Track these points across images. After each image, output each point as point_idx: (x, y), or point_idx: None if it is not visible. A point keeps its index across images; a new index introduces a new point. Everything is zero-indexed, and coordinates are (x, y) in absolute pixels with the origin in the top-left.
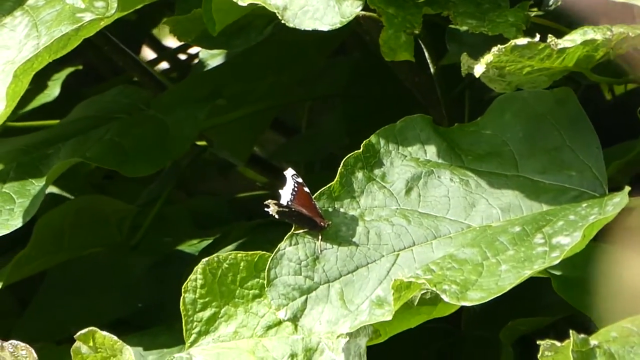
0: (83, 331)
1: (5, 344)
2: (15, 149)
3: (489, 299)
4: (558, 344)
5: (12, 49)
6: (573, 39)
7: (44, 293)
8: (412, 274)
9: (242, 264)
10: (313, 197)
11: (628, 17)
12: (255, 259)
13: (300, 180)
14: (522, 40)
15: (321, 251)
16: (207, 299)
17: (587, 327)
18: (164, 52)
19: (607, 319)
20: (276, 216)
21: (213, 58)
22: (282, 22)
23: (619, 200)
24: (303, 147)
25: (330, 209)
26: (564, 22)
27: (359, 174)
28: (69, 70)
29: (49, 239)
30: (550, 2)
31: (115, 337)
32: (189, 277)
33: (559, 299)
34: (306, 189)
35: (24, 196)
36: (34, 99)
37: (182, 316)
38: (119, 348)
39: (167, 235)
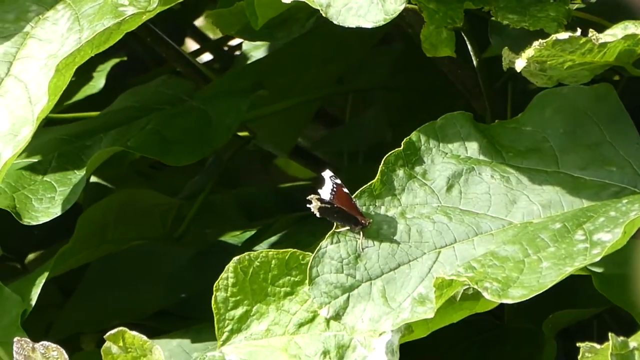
0: (113, 331)
1: (37, 345)
2: (57, 138)
3: (530, 296)
4: (597, 346)
5: (54, 42)
6: (614, 34)
7: (87, 285)
8: (453, 271)
9: (273, 261)
10: (353, 196)
11: None
12: (287, 257)
13: (338, 181)
14: (564, 35)
15: (363, 249)
16: (238, 297)
17: (631, 319)
18: (206, 44)
19: None
20: (317, 214)
21: (256, 50)
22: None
23: None
24: (346, 138)
25: (371, 207)
26: (606, 16)
27: (400, 172)
28: (113, 61)
29: (92, 232)
30: None
31: (144, 337)
32: (220, 276)
33: None
34: (345, 190)
35: (65, 185)
36: (79, 91)
37: (214, 314)
38: (148, 348)
39: (211, 227)
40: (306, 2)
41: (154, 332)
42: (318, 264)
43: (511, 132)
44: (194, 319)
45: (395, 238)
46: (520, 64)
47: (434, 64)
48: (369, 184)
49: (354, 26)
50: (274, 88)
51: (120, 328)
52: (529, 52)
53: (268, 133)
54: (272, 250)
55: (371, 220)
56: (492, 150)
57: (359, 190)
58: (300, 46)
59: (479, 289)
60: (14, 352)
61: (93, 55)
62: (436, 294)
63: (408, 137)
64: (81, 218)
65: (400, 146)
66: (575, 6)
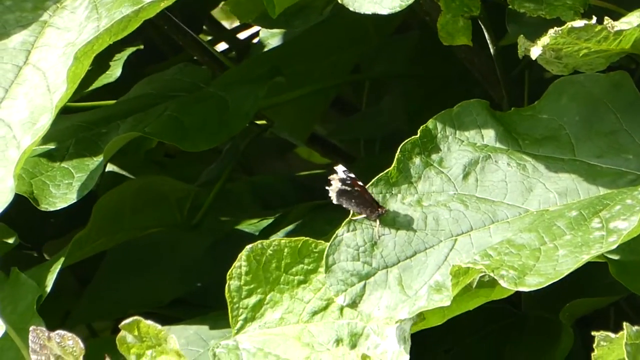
0: (127, 320)
1: (52, 334)
2: (74, 125)
3: (547, 284)
4: (612, 335)
5: (72, 31)
6: (629, 22)
7: (104, 273)
8: (470, 259)
9: (286, 250)
10: (369, 184)
11: None
12: (299, 245)
13: (352, 175)
14: (579, 23)
15: (379, 237)
16: (252, 286)
17: None
18: (223, 33)
19: None
20: (334, 199)
21: (273, 37)
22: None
23: None
24: (363, 126)
25: (387, 195)
26: (622, 4)
27: (417, 160)
28: (130, 50)
29: (108, 219)
30: None
31: (159, 326)
32: (234, 264)
33: None
34: (360, 183)
35: (82, 171)
36: (96, 80)
37: (228, 303)
38: (163, 337)
39: (227, 215)
40: None
41: (169, 321)
42: (334, 252)
43: (527, 120)
44: (209, 307)
45: (411, 226)
46: (535, 52)
47: (451, 52)
48: (385, 171)
49: (370, 13)
50: (290, 76)
51: (135, 317)
52: (545, 39)
53: (285, 121)
54: (285, 238)
55: (388, 208)
56: (508, 137)
57: (375, 178)
58: (317, 34)
59: (496, 277)
60: (30, 342)
61: (111, 43)
62: (453, 281)
63: (425, 125)
64: (97, 204)
65: (416, 134)
66: None
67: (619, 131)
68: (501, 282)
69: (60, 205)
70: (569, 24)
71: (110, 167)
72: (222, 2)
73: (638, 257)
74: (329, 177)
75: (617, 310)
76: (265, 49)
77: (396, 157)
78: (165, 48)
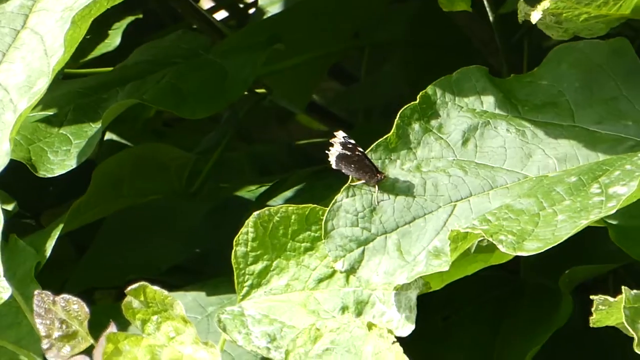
0: (134, 286)
1: (57, 298)
2: (73, 91)
3: (545, 249)
4: (611, 299)
5: None
6: None
7: (102, 240)
8: (469, 224)
9: (293, 217)
10: (368, 150)
11: None
12: (307, 212)
13: (352, 141)
14: None
15: (378, 202)
16: (258, 252)
17: None
18: (222, 1)
19: None
20: (334, 164)
21: (272, 5)
22: None
23: None
24: (362, 95)
25: (386, 161)
26: None
27: (416, 125)
28: (129, 19)
29: (107, 186)
30: None
31: (165, 292)
32: (240, 230)
33: (618, 247)
34: (359, 148)
35: (81, 137)
36: (95, 49)
37: (234, 269)
38: (170, 303)
39: (226, 183)
40: None
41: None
42: (333, 218)
43: (527, 86)
44: (207, 274)
45: (410, 191)
46: (535, 16)
47: (451, 19)
48: (384, 137)
49: None
50: (289, 43)
51: (142, 282)
52: (545, 3)
53: (283, 88)
54: (292, 205)
55: (387, 174)
56: (507, 104)
57: (374, 144)
58: (317, 1)
59: (494, 242)
60: (35, 305)
61: (109, 7)
62: (451, 247)
63: (424, 91)
64: (96, 170)
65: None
66: None
67: (619, 97)
68: (500, 246)
69: (58, 171)
70: None
71: (109, 136)
72: None
73: (637, 222)
74: (329, 141)
75: (615, 278)
76: (265, 17)
77: (395, 123)
78: (164, 17)
